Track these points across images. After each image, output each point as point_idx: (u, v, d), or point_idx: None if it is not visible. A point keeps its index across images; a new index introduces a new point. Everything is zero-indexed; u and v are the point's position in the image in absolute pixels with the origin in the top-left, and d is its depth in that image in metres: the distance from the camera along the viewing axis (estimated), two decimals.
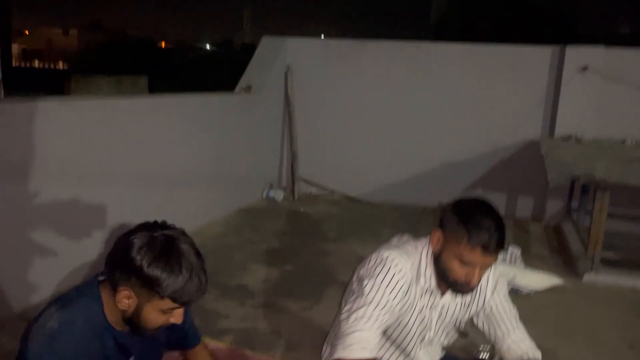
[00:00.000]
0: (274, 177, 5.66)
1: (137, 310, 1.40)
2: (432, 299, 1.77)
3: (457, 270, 1.64)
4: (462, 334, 1.91)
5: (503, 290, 1.85)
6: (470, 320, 1.90)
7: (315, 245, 4.17)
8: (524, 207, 5.43)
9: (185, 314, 1.75)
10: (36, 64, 36.89)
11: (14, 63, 33.72)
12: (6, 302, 2.64)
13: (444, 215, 1.68)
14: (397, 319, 1.79)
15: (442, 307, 1.80)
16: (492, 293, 1.83)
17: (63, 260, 2.88)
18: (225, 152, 4.73)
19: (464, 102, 5.38)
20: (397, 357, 1.90)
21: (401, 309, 1.75)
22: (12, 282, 2.66)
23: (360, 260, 1.80)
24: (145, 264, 1.33)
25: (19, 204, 2.66)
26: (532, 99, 5.27)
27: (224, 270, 3.50)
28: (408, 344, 1.84)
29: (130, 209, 3.23)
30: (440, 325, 1.84)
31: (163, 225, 1.42)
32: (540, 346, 1.84)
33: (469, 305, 1.84)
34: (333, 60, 5.64)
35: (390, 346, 1.90)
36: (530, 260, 3.95)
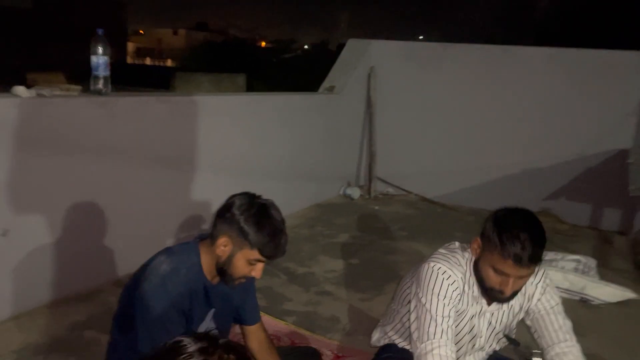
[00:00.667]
0: (351, 175, 5.84)
1: (230, 257, 1.71)
2: (478, 307, 1.83)
3: (492, 278, 1.69)
4: (512, 340, 1.93)
5: (553, 300, 1.85)
6: (522, 323, 1.93)
7: (384, 242, 4.30)
8: (611, 219, 5.18)
9: (252, 292, 2.02)
10: (148, 61, 39.67)
11: (129, 60, 36.44)
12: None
13: (485, 222, 1.72)
14: (456, 331, 1.87)
15: (492, 315, 1.85)
16: (539, 300, 1.84)
17: (155, 238, 3.25)
18: (307, 149, 4.98)
19: (550, 107, 5.23)
20: None
21: (459, 315, 1.83)
22: (122, 251, 3.06)
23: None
24: (242, 219, 1.67)
25: (121, 185, 3.04)
26: (624, 106, 5.02)
27: (294, 258, 3.74)
28: (459, 350, 1.89)
29: (214, 196, 3.55)
30: (491, 333, 1.89)
31: (259, 196, 1.77)
32: (598, 355, 1.79)
33: (517, 312, 1.88)
34: (416, 63, 5.71)
35: None
36: (608, 272, 3.83)
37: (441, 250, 1.87)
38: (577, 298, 3.42)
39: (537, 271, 1.84)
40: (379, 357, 2.08)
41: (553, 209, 5.14)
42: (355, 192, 5.55)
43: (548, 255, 3.66)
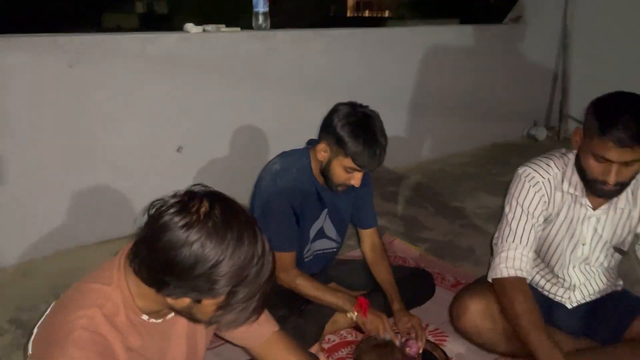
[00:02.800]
0: (540, 114, 5.32)
1: (328, 163, 1.83)
2: (582, 211, 1.67)
3: (593, 168, 1.53)
4: (621, 251, 1.73)
5: None
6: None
7: None
8: None
9: (368, 197, 2.12)
10: (366, 13, 40.58)
11: (348, 14, 37.76)
12: None
13: (586, 112, 1.56)
14: (546, 234, 1.74)
15: (598, 222, 1.68)
16: None
17: None
18: (489, 85, 4.69)
19: None
20: (548, 277, 1.84)
21: (545, 220, 1.71)
22: None
23: None
24: (339, 126, 1.76)
25: (281, 112, 3.35)
26: None
27: (449, 193, 3.67)
28: (557, 260, 1.77)
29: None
30: (597, 243, 1.72)
31: (365, 106, 1.83)
32: None
33: (630, 223, 1.68)
34: None
35: (541, 266, 1.85)
36: None
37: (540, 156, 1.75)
38: None
39: None
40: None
41: None
42: (542, 133, 5.08)
43: None
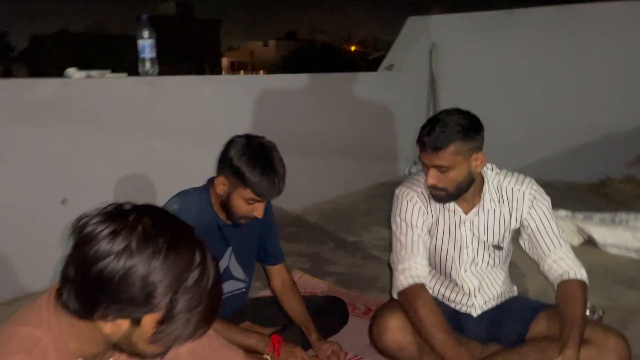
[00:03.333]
0: (416, 154, 5.71)
1: (228, 196, 1.77)
2: (457, 217, 1.83)
3: (424, 173, 1.77)
4: (498, 247, 1.88)
5: (543, 207, 1.80)
6: (515, 240, 1.89)
7: None
8: None
9: (272, 232, 2.08)
10: (241, 73, 41.47)
11: (223, 73, 38.33)
12: None
13: None
14: (433, 244, 1.86)
15: (472, 224, 1.84)
16: (530, 208, 1.80)
17: None
18: (368, 128, 4.97)
19: (629, 66, 4.81)
20: (447, 285, 1.95)
21: (429, 230, 1.85)
22: None
23: None
24: (235, 157, 1.72)
25: (169, 160, 3.25)
26: None
27: (346, 229, 3.76)
28: (450, 266, 1.90)
29: None
30: (478, 244, 1.86)
31: (261, 137, 1.81)
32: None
33: (504, 221, 1.84)
34: (479, 34, 5.48)
35: (438, 275, 1.96)
36: None
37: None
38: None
39: (523, 180, 1.83)
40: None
41: (638, 175, 4.70)
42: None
43: (619, 216, 3.39)
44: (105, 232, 0.85)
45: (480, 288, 1.92)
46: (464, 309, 1.96)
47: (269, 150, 1.78)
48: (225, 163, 1.76)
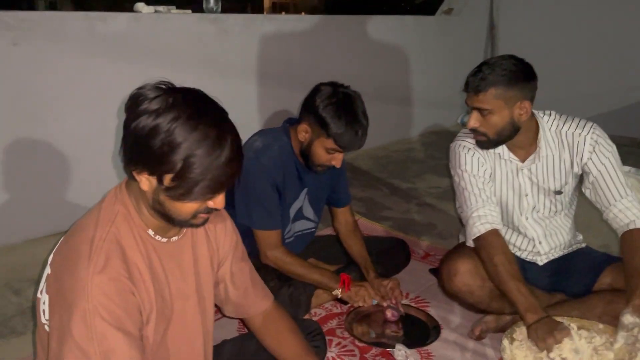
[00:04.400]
0: None
1: (310, 144, 1.79)
2: (513, 166, 1.83)
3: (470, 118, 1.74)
4: (559, 192, 1.86)
5: (607, 152, 1.75)
6: (580, 189, 1.86)
7: None
8: None
9: (342, 176, 2.11)
10: (282, 14, 40.70)
11: (265, 13, 37.68)
12: None
13: None
14: (495, 192, 1.86)
15: (530, 171, 1.82)
16: (591, 154, 1.75)
17: None
18: (422, 74, 4.86)
19: None
20: (512, 233, 1.95)
21: (490, 176, 1.86)
22: None
23: None
24: (321, 107, 1.72)
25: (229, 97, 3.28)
26: None
27: (399, 176, 3.77)
28: (512, 214, 1.90)
29: None
30: (537, 191, 1.85)
31: (347, 87, 1.80)
32: None
33: (564, 166, 1.81)
34: None
35: (505, 223, 1.96)
36: None
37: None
38: None
39: (585, 124, 1.78)
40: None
41: None
42: None
43: None
44: (149, 96, 0.98)
45: (545, 235, 1.91)
46: (530, 257, 1.96)
47: (355, 101, 1.76)
48: (309, 111, 1.76)
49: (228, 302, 1.33)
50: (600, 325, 1.64)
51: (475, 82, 1.65)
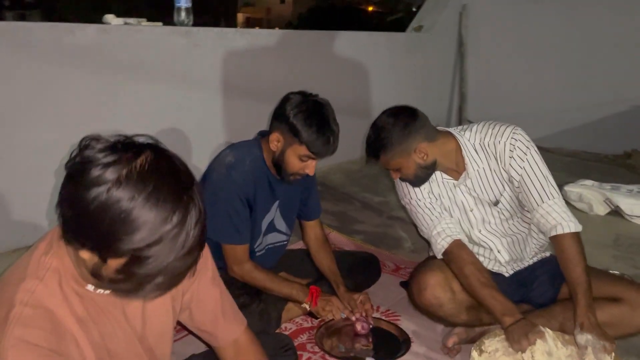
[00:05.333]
0: (441, 118, 5.69)
1: (282, 153, 1.79)
2: (449, 186, 1.89)
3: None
4: (496, 202, 1.87)
5: (527, 155, 1.74)
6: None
7: None
8: None
9: (314, 189, 2.11)
10: (256, 29, 40.77)
11: (238, 28, 37.69)
12: None
13: None
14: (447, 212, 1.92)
15: (467, 187, 1.86)
16: (511, 159, 1.75)
17: None
18: (390, 90, 4.91)
19: None
20: (473, 247, 1.96)
21: (437, 196, 1.90)
22: None
23: None
24: (292, 115, 1.73)
25: (201, 112, 3.26)
26: None
27: (371, 190, 3.79)
28: (468, 230, 1.93)
29: None
30: (482, 204, 1.87)
31: (315, 95, 1.82)
32: None
33: (497, 176, 1.83)
34: None
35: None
36: None
37: None
38: None
39: (505, 130, 1.77)
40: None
41: None
42: None
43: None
44: (103, 160, 0.82)
45: (502, 243, 1.93)
46: (495, 268, 1.98)
47: (325, 108, 1.79)
48: (280, 120, 1.77)
49: (197, 329, 1.25)
50: (567, 336, 1.66)
51: (369, 153, 1.82)
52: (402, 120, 1.77)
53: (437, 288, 1.80)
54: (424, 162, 1.78)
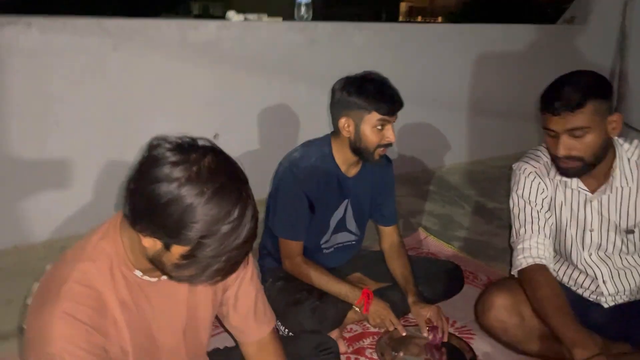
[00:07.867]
0: None
1: (357, 131, 1.79)
2: (581, 196, 1.64)
3: (549, 144, 1.56)
4: (631, 232, 1.63)
5: None
6: None
7: None
8: None
9: (388, 192, 2.07)
10: (419, 19, 40.16)
11: (400, 18, 37.47)
12: None
13: None
14: (556, 223, 1.68)
15: (599, 203, 1.62)
16: None
17: None
18: (533, 87, 4.51)
19: None
20: (572, 271, 1.76)
21: (550, 206, 1.69)
22: None
23: None
24: (344, 94, 1.78)
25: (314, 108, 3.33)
26: None
27: (488, 194, 3.56)
28: (571, 249, 1.71)
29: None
30: (607, 227, 1.64)
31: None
32: None
33: (636, 204, 1.59)
34: None
35: (562, 260, 1.78)
36: None
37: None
38: None
39: (629, 147, 1.58)
40: None
41: None
42: None
43: None
44: (171, 159, 0.92)
45: (612, 275, 1.70)
46: (593, 297, 1.76)
47: (369, 74, 1.80)
48: (338, 106, 1.80)
49: (228, 324, 1.32)
50: None
51: (567, 100, 1.47)
52: (605, 79, 1.58)
53: (503, 311, 1.65)
54: (609, 137, 1.53)
